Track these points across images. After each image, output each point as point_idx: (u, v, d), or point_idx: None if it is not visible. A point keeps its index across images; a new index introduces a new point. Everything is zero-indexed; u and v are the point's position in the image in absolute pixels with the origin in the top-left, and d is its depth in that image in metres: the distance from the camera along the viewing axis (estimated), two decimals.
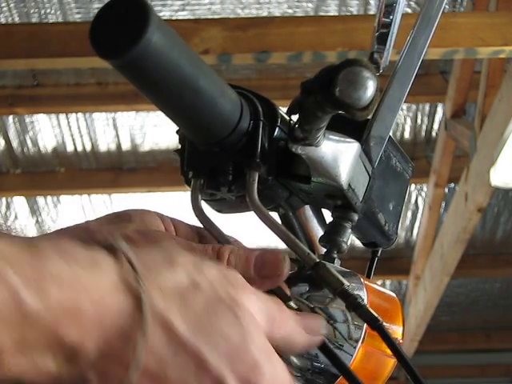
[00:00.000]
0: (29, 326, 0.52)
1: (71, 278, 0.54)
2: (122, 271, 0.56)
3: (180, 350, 0.57)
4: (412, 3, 3.50)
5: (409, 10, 3.48)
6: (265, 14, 3.60)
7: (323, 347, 0.66)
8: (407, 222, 5.00)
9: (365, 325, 0.71)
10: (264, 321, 0.62)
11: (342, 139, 0.73)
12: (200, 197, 0.73)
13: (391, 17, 0.77)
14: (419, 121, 4.27)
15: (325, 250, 0.76)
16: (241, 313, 0.60)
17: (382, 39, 0.77)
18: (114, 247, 0.57)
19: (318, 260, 0.69)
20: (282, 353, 0.65)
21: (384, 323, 0.73)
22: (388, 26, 0.77)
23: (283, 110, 0.72)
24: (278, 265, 0.67)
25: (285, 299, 0.67)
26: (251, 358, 0.60)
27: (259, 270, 0.66)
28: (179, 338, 0.57)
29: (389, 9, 0.77)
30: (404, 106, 4.12)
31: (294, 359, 0.72)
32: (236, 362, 0.59)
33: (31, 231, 4.93)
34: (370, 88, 0.60)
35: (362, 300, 0.67)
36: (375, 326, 0.67)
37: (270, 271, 0.66)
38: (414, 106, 4.18)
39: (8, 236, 0.56)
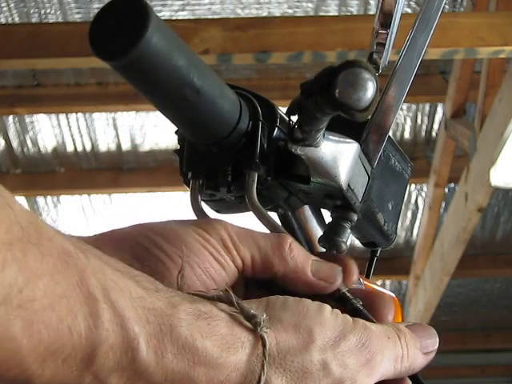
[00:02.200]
0: (135, 376, 0.53)
1: (194, 351, 0.55)
2: (251, 356, 0.57)
3: None
4: (412, 3, 3.50)
5: (409, 10, 3.48)
6: (265, 14, 3.60)
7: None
8: (407, 221, 5.00)
9: None
10: None
11: (342, 140, 0.73)
12: (199, 197, 0.73)
13: (390, 17, 0.77)
14: (419, 121, 4.27)
15: (324, 250, 0.76)
16: None
17: (381, 39, 0.77)
18: (256, 326, 0.58)
19: None
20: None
21: None
22: (387, 25, 0.77)
23: (283, 110, 0.72)
24: (334, 273, 0.69)
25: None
26: None
27: (315, 270, 0.68)
28: None
29: (388, 9, 0.77)
30: (404, 106, 4.12)
31: None
32: None
33: None
34: (370, 89, 0.60)
35: (361, 305, 0.68)
36: None
37: (326, 276, 0.69)
38: (414, 106, 4.18)
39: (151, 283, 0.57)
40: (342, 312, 0.67)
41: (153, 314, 0.54)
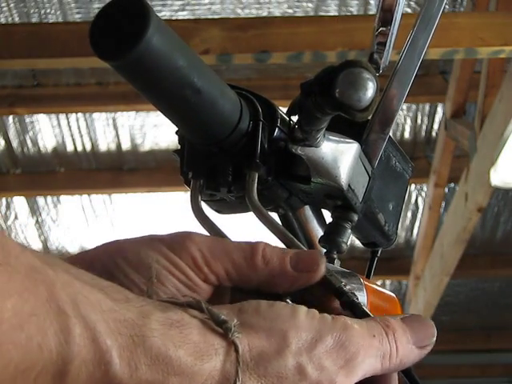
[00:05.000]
0: None
1: (168, 361, 0.54)
2: (225, 363, 0.56)
3: None
4: (412, 3, 3.50)
5: (409, 10, 3.49)
6: (265, 14, 3.61)
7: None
8: (407, 221, 5.00)
9: None
10: None
11: (342, 140, 0.73)
12: (200, 197, 0.73)
13: (391, 17, 0.77)
14: (419, 121, 4.27)
15: (324, 250, 0.76)
16: None
17: (382, 39, 0.77)
18: (227, 332, 0.57)
19: None
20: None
21: None
22: (388, 25, 0.77)
23: (283, 110, 0.72)
24: (314, 259, 0.67)
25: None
26: None
27: (295, 263, 0.67)
28: None
29: (388, 8, 0.77)
30: (404, 106, 4.12)
31: None
32: None
33: (31, 231, 4.93)
34: (370, 89, 0.60)
35: (357, 298, 0.67)
36: None
37: (307, 266, 0.67)
38: (414, 106, 4.18)
39: (118, 292, 0.56)
40: (340, 306, 0.66)
41: (124, 325, 0.53)
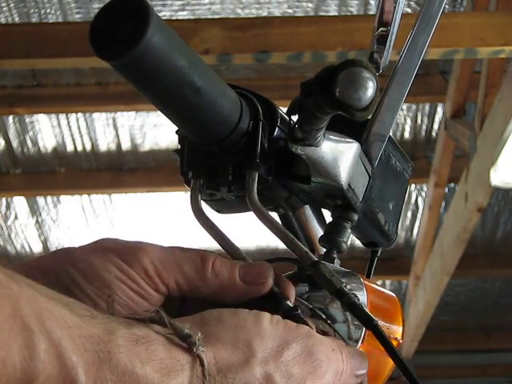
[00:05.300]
0: None
1: (135, 378, 0.54)
2: (192, 378, 0.56)
3: None
4: (412, 3, 3.50)
5: (409, 10, 3.48)
6: (265, 14, 3.60)
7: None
8: (407, 221, 4.99)
9: None
10: None
11: (342, 139, 0.73)
12: (200, 197, 0.73)
13: (391, 17, 0.77)
14: (419, 121, 4.27)
15: (325, 250, 0.76)
16: None
17: (382, 39, 0.77)
18: (191, 346, 0.57)
19: (315, 259, 0.69)
20: None
21: (383, 323, 0.73)
22: (388, 25, 0.77)
23: (283, 110, 0.72)
24: (262, 273, 0.68)
25: (278, 303, 0.68)
26: None
27: (244, 276, 0.67)
28: None
29: (388, 8, 0.77)
30: (404, 106, 4.12)
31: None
32: None
33: (31, 231, 4.93)
34: (370, 88, 0.60)
35: (358, 299, 0.67)
36: (369, 325, 0.67)
37: (255, 278, 0.67)
38: (414, 106, 4.18)
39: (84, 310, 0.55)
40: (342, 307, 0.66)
41: (90, 341, 0.53)
